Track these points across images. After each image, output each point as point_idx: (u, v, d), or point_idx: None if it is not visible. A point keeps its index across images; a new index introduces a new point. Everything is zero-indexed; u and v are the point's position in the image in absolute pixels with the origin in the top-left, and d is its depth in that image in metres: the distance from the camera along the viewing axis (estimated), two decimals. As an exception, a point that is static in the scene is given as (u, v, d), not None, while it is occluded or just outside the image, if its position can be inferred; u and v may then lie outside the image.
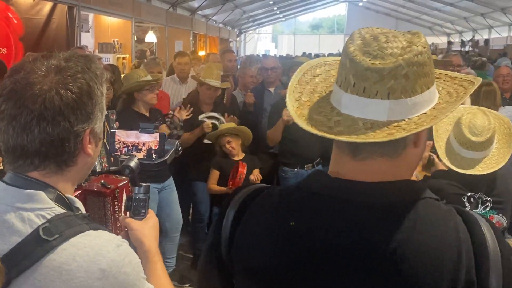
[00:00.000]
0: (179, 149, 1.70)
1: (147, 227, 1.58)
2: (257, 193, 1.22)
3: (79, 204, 1.32)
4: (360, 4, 40.45)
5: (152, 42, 15.80)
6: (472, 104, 5.66)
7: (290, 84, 1.22)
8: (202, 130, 4.93)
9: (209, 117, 5.07)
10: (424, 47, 1.08)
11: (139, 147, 1.70)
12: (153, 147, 1.70)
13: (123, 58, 13.71)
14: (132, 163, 1.58)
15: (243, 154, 4.86)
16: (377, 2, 36.49)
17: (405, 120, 1.07)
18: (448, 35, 35.33)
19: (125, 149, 1.71)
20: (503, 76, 6.41)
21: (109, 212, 2.44)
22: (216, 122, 5.01)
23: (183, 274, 5.18)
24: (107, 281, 1.15)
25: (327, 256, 1.07)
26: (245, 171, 4.49)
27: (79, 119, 1.25)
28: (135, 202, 1.62)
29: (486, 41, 25.68)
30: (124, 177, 2.35)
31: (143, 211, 1.62)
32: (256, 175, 4.64)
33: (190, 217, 5.80)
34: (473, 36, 28.40)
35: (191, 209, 5.73)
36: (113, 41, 13.85)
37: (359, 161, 1.11)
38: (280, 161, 5.24)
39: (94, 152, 1.33)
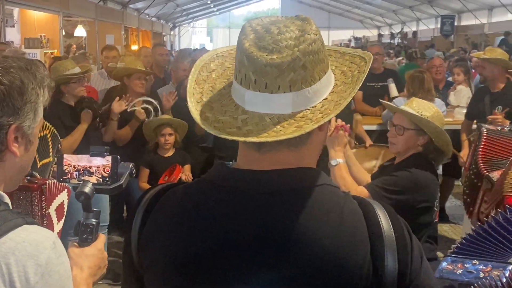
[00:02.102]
0: (133, 172, 1.66)
1: (83, 256, 1.55)
2: (163, 191, 1.21)
3: (7, 199, 1.28)
4: (293, -3, 40.88)
5: (82, 37, 15.40)
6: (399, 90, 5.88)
7: (188, 86, 1.19)
8: (137, 119, 4.81)
9: (142, 102, 4.92)
10: (316, 34, 1.09)
11: (91, 171, 1.64)
12: (105, 171, 1.65)
13: (51, 53, 13.27)
14: (87, 189, 1.56)
15: (173, 150, 4.78)
16: (310, -5, 37.03)
17: (309, 109, 1.09)
18: (379, 27, 36.28)
19: (76, 173, 1.65)
20: (436, 67, 6.64)
21: (36, 208, 2.39)
22: (148, 106, 4.89)
23: (117, 272, 5.07)
24: (42, 278, 1.13)
25: (228, 246, 1.08)
26: (179, 177, 4.46)
27: (4, 111, 1.22)
28: (83, 227, 1.59)
29: (414, 33, 26.50)
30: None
31: (90, 237, 1.59)
32: (187, 175, 4.60)
33: (124, 215, 5.70)
34: (402, 29, 29.28)
35: (124, 206, 5.63)
36: (40, 36, 13.42)
37: (263, 153, 1.12)
38: (215, 155, 5.21)
39: (22, 155, 1.29)
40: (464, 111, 6.07)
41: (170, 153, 4.74)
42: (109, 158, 1.64)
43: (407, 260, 1.08)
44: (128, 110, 4.84)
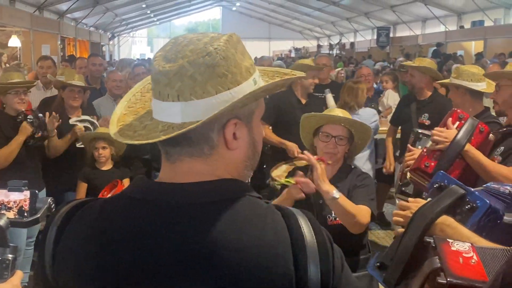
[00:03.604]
0: (52, 206, 1.62)
1: None
2: (80, 206, 1.18)
3: None
4: (234, 8, 41.09)
5: (16, 47, 14.93)
6: (336, 98, 6.01)
7: (130, 91, 1.22)
8: (75, 134, 4.71)
9: (81, 121, 4.84)
10: (216, 48, 1.08)
11: (9, 205, 1.60)
12: (24, 206, 1.60)
13: (-16, 64, 12.80)
14: (1, 222, 1.50)
15: (112, 163, 4.69)
16: (250, 7, 37.33)
17: (199, 121, 1.07)
18: (318, 38, 36.96)
19: None
20: (365, 76, 6.85)
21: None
22: (90, 126, 4.80)
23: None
24: None
25: (147, 262, 1.06)
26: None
27: None
28: None
29: (352, 44, 27.20)
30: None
31: (6, 273, 1.52)
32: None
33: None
34: (340, 40, 29.93)
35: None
36: (-28, 46, 12.94)
37: (172, 163, 1.13)
38: (153, 167, 5.17)
39: None
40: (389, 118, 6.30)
41: (108, 167, 4.64)
42: (27, 192, 1.60)
43: (329, 269, 1.10)
44: (71, 122, 4.73)
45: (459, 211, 1.82)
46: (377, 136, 5.97)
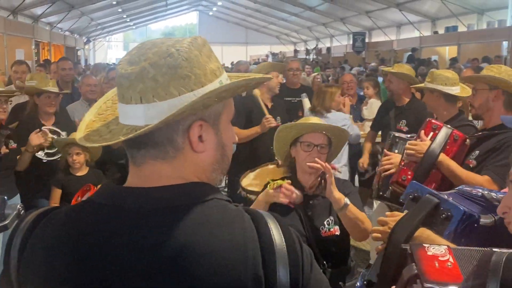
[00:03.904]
0: (22, 213, 1.60)
1: None
2: (46, 214, 1.16)
3: None
4: (211, 13, 41.08)
5: (-11, 52, 14.73)
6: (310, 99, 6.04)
7: (104, 96, 1.21)
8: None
9: (50, 131, 4.76)
10: (179, 50, 1.07)
11: None
12: None
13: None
14: None
15: (87, 169, 4.64)
16: (227, 12, 37.34)
17: (161, 121, 1.07)
18: (294, 43, 37.11)
19: None
20: (347, 83, 6.90)
21: None
22: (55, 136, 4.72)
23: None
24: None
25: (111, 267, 1.04)
26: None
27: None
28: None
29: (328, 49, 27.38)
30: None
31: None
32: None
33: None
34: (317, 45, 30.12)
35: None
36: None
37: (138, 167, 1.12)
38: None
39: None
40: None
41: (83, 172, 4.58)
42: None
43: (299, 270, 1.10)
44: (42, 129, 4.66)
45: (435, 221, 1.84)
46: (362, 141, 5.99)
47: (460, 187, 2.13)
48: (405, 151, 3.11)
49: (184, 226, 1.05)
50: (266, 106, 5.24)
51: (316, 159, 2.73)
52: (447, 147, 3.02)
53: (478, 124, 4.27)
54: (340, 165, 5.36)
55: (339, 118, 5.19)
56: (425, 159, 2.96)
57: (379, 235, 2.02)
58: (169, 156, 1.11)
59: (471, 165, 2.99)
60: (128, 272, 1.04)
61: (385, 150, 3.42)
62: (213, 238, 1.05)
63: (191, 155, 1.12)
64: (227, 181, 6.26)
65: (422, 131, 3.10)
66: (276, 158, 3.12)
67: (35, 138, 4.44)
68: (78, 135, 1.14)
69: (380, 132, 5.66)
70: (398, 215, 1.97)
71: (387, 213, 2.10)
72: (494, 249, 1.23)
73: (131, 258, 1.04)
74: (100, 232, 1.07)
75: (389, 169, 3.28)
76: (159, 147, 1.10)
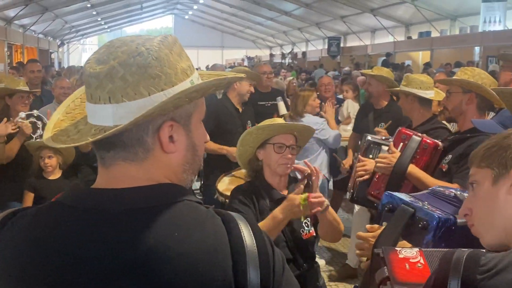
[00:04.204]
0: None
1: None
2: (14, 214, 1.13)
3: None
4: (186, 17, 40.98)
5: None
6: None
7: (71, 96, 1.19)
8: (23, 133, 4.54)
9: (28, 116, 4.67)
10: (148, 49, 1.06)
11: None
12: None
13: None
14: None
15: (60, 172, 4.57)
16: (203, 16, 37.30)
17: (130, 122, 1.05)
18: (270, 47, 37.23)
19: None
20: (325, 85, 6.92)
21: None
22: (36, 121, 4.65)
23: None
24: None
25: (76, 270, 1.02)
26: None
27: None
28: None
29: (304, 53, 27.51)
30: None
31: None
32: None
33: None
34: (292, 49, 30.24)
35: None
36: None
37: (107, 168, 1.10)
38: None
39: None
40: (348, 127, 6.35)
41: (56, 176, 4.51)
42: None
43: (270, 273, 1.09)
44: (16, 120, 4.57)
45: (413, 230, 1.85)
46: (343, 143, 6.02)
47: (433, 187, 2.15)
48: (376, 164, 3.14)
49: (153, 228, 1.03)
50: (237, 110, 5.23)
51: (306, 161, 2.73)
52: (417, 156, 3.03)
53: (453, 127, 4.33)
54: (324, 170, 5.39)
55: (312, 122, 5.18)
56: (394, 172, 2.99)
57: (362, 251, 2.04)
58: (138, 157, 1.09)
59: (444, 169, 3.01)
60: (95, 273, 1.02)
61: (359, 156, 3.44)
62: (183, 240, 1.04)
63: (161, 155, 1.11)
64: (202, 186, 6.24)
65: (392, 143, 3.12)
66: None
67: (3, 128, 4.37)
68: (45, 135, 1.12)
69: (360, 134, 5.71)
70: (378, 229, 1.99)
71: (367, 226, 2.10)
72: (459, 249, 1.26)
73: (98, 259, 1.02)
74: (66, 235, 1.05)
75: (363, 175, 3.31)
76: (128, 148, 1.08)
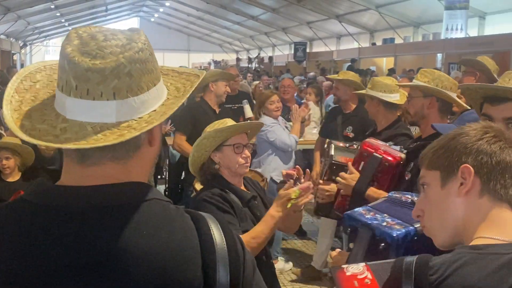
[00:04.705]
0: None
1: None
2: None
3: None
4: (152, 19, 40.70)
5: None
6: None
7: (6, 93, 1.09)
8: None
9: None
10: (144, 44, 1.07)
11: None
12: None
13: None
14: None
15: (19, 174, 4.48)
16: (169, 19, 37.12)
17: (135, 120, 1.05)
18: (237, 52, 37.25)
19: None
20: (284, 87, 6.96)
21: None
22: None
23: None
24: None
25: (39, 270, 1.00)
26: None
27: None
28: None
29: (270, 58, 27.59)
30: None
31: None
32: None
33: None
34: (259, 54, 30.32)
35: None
36: None
37: (87, 167, 1.06)
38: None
39: None
40: (314, 131, 6.40)
41: (14, 178, 4.41)
42: None
43: (239, 273, 1.09)
44: None
45: (377, 251, 1.85)
46: (300, 147, 6.05)
47: (390, 193, 2.15)
48: (337, 183, 3.08)
49: (122, 227, 1.02)
50: (214, 111, 5.23)
51: (298, 166, 2.71)
52: (379, 175, 2.97)
53: (416, 130, 4.37)
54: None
55: (268, 122, 5.25)
56: (354, 194, 2.96)
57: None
58: (128, 155, 1.08)
59: (407, 178, 2.94)
60: (58, 272, 1.00)
61: (321, 182, 3.35)
62: (152, 239, 1.03)
63: (147, 150, 1.11)
64: (166, 190, 6.21)
65: (350, 163, 3.07)
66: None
67: None
68: (15, 130, 1.05)
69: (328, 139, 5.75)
70: (345, 254, 2.00)
71: (337, 251, 2.11)
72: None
73: (61, 258, 1.00)
74: (30, 234, 1.02)
75: (325, 200, 3.28)
76: (120, 148, 1.06)
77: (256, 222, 2.62)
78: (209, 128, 2.72)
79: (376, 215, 1.96)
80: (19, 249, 1.02)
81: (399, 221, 1.87)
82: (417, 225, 1.80)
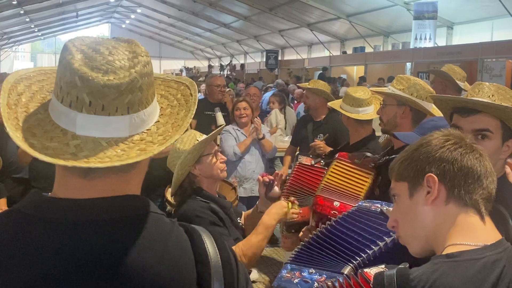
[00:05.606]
0: None
1: None
2: None
3: None
4: (123, 26, 40.44)
5: None
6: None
7: (2, 111, 1.06)
8: None
9: None
10: (148, 56, 1.08)
11: None
12: None
13: None
14: None
15: (-16, 183, 4.39)
16: (140, 25, 36.93)
17: (144, 132, 1.06)
18: (209, 59, 37.27)
19: None
20: (251, 95, 7.04)
21: None
22: None
23: None
24: None
25: (34, 282, 0.99)
26: None
27: None
28: None
29: (242, 66, 27.70)
30: None
31: None
32: (2, 210, 4.25)
33: None
34: (231, 61, 30.38)
35: None
36: None
37: (89, 180, 1.05)
38: (33, 186, 4.90)
39: None
40: (285, 139, 6.43)
41: (-20, 187, 4.34)
42: None
43: (233, 285, 1.11)
44: None
45: None
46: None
47: (359, 203, 2.08)
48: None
49: (118, 241, 1.02)
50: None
51: (265, 173, 2.80)
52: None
53: (385, 136, 4.35)
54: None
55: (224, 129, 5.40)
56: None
57: None
58: (132, 167, 1.07)
59: (376, 193, 2.78)
60: (54, 283, 0.99)
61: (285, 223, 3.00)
62: (146, 252, 1.03)
63: (144, 165, 1.11)
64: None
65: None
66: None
67: None
68: (31, 152, 1.01)
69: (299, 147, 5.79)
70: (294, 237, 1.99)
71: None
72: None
73: (55, 274, 0.99)
74: (26, 244, 1.01)
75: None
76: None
77: (236, 228, 2.65)
78: (180, 144, 2.68)
79: (302, 273, 1.87)
80: (17, 262, 1.00)
81: (327, 272, 1.80)
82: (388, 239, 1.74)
